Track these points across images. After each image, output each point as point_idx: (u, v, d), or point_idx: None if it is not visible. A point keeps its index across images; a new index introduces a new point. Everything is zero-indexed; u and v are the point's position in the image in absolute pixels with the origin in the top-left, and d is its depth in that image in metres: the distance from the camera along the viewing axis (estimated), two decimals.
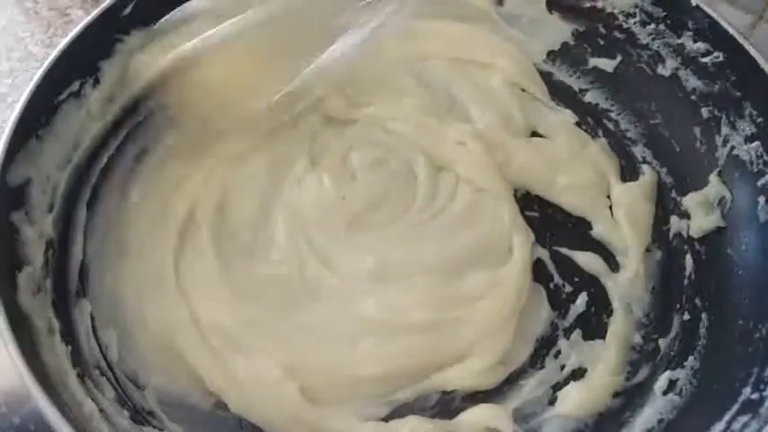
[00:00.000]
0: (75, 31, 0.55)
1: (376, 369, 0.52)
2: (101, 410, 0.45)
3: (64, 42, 0.55)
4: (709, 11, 0.58)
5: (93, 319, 0.52)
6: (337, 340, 0.53)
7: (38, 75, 0.52)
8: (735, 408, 0.46)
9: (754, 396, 0.46)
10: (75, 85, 0.56)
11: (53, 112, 0.54)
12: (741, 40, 0.56)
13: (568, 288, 0.57)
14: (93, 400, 0.46)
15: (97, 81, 0.58)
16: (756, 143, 0.56)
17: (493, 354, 0.53)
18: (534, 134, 0.64)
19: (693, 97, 0.61)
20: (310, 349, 0.52)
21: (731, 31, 0.57)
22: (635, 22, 0.64)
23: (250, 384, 0.51)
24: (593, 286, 0.57)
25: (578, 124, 0.65)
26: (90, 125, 0.58)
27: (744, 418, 0.45)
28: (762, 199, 0.55)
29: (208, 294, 0.54)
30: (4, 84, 0.69)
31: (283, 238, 0.57)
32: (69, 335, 0.50)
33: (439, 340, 0.53)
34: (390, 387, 0.52)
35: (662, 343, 0.54)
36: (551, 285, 0.57)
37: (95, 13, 0.57)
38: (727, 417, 0.46)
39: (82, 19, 0.57)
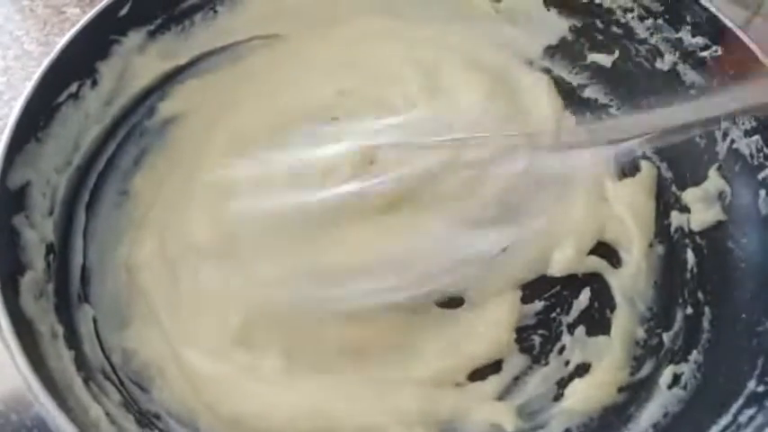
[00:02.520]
0: (71, 32, 0.55)
1: None
2: (107, 414, 0.45)
3: (61, 43, 0.54)
4: (707, 5, 0.58)
5: (95, 322, 0.52)
6: None
7: (36, 76, 0.52)
8: (740, 401, 0.46)
9: (760, 388, 0.46)
10: (74, 87, 0.56)
11: (52, 114, 0.54)
12: (740, 33, 0.56)
13: (571, 284, 0.57)
14: (98, 404, 0.45)
15: (95, 83, 0.57)
16: (756, 137, 0.56)
17: None
18: None
19: (692, 91, 0.61)
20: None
21: (729, 24, 0.57)
22: (633, 17, 0.63)
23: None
24: (596, 282, 0.57)
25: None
26: (89, 127, 0.57)
27: (750, 411, 0.45)
28: (762, 192, 0.55)
29: None
30: (0, 82, 0.68)
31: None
32: (73, 339, 0.49)
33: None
34: None
35: (665, 337, 0.54)
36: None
37: (92, 13, 0.56)
38: (732, 410, 0.46)
39: (78, 17, 0.57)
